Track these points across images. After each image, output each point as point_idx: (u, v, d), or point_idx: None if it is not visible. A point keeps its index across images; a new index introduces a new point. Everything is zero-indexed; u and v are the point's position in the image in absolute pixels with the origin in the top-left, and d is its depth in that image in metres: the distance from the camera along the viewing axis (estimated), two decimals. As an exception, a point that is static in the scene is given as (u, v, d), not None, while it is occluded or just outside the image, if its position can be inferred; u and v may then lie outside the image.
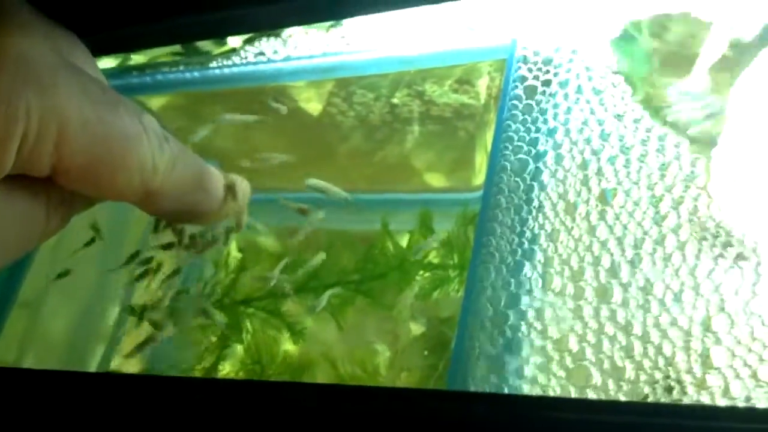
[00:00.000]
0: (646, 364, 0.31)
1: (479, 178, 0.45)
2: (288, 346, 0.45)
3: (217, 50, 0.54)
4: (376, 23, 0.48)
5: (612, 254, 0.34)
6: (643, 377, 0.30)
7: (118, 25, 0.39)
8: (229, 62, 0.53)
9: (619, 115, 0.38)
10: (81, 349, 0.52)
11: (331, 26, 0.49)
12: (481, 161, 0.45)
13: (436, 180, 0.48)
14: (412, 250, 0.43)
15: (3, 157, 0.23)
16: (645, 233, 0.34)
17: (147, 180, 0.28)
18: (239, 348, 0.45)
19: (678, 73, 0.39)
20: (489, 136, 0.44)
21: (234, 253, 0.47)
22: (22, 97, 0.23)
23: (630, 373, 0.31)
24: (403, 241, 0.45)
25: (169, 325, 0.37)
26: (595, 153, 0.37)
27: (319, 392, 0.29)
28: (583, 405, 0.27)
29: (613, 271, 0.34)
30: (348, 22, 0.49)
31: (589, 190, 0.36)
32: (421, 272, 0.43)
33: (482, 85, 0.47)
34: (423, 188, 0.49)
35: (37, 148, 0.24)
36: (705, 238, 0.34)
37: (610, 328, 0.32)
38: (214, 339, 0.46)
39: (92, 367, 0.51)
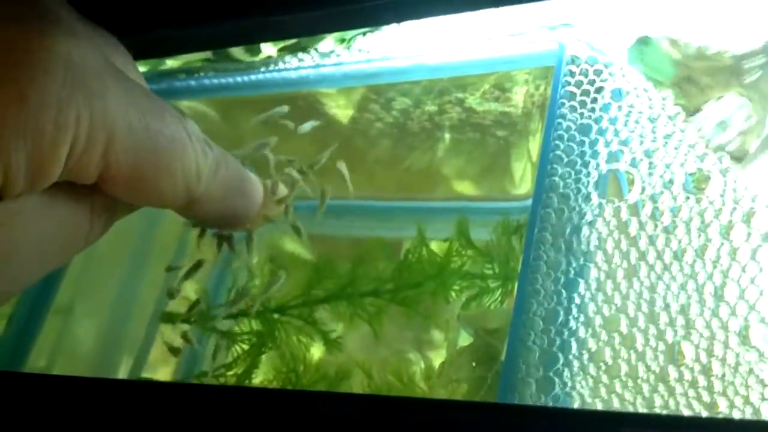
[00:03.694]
0: (701, 381, 0.30)
1: (520, 188, 0.44)
2: (321, 354, 0.45)
3: (249, 56, 0.54)
4: (419, 29, 0.47)
5: (670, 269, 0.34)
6: (703, 395, 0.30)
7: (155, 29, 0.39)
8: (262, 68, 0.53)
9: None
10: (112, 355, 0.52)
11: (368, 32, 0.49)
12: (521, 171, 0.45)
13: (471, 188, 0.48)
14: (449, 259, 0.43)
15: (52, 164, 0.23)
16: (706, 247, 0.34)
17: (191, 186, 0.28)
18: (272, 356, 0.45)
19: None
20: (532, 145, 0.44)
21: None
22: (72, 105, 0.23)
23: (686, 390, 0.30)
24: (438, 249, 0.44)
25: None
26: (650, 163, 0.36)
27: (365, 402, 0.29)
28: (645, 420, 0.26)
29: (671, 287, 0.33)
30: (386, 29, 0.49)
31: (644, 199, 0.36)
32: (459, 282, 0.42)
33: (521, 92, 0.46)
34: (456, 196, 0.48)
35: (85, 156, 0.24)
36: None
37: (666, 342, 0.32)
38: (246, 347, 0.46)
39: (123, 374, 0.51)
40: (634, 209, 0.36)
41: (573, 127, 0.38)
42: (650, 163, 0.37)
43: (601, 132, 0.38)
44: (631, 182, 0.37)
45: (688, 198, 0.35)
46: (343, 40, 0.50)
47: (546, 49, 0.42)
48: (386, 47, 0.48)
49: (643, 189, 0.36)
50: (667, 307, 0.33)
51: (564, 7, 0.42)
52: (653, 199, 0.36)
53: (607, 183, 0.37)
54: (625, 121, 0.38)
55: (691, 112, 0.38)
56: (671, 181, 0.36)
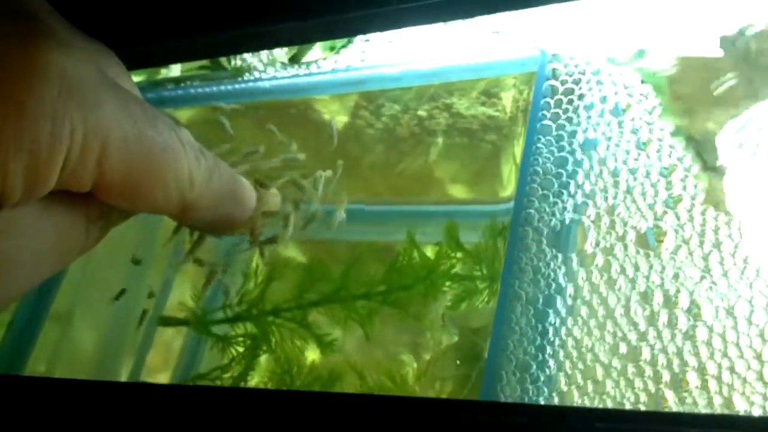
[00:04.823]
0: (684, 377, 0.31)
1: (507, 191, 0.45)
2: (314, 356, 0.46)
3: (242, 65, 0.54)
4: (404, 37, 0.48)
5: (644, 269, 0.34)
6: (682, 390, 0.30)
7: (150, 41, 0.39)
8: (256, 76, 0.53)
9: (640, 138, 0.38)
10: (110, 360, 0.53)
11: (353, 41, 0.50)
12: (508, 174, 0.45)
13: (461, 192, 0.49)
14: (439, 261, 0.43)
15: (47, 175, 0.24)
16: (683, 253, 0.35)
17: (184, 193, 0.28)
18: (267, 358, 0.46)
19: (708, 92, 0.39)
20: (517, 149, 0.45)
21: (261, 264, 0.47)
22: (66, 117, 0.23)
23: (663, 386, 0.31)
24: (429, 253, 0.45)
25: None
26: (626, 167, 0.37)
27: (352, 402, 0.30)
28: (622, 415, 0.27)
29: (648, 288, 0.34)
30: (375, 36, 0.49)
31: (621, 206, 0.37)
32: (449, 283, 0.43)
33: (508, 97, 0.47)
34: (447, 200, 0.49)
35: (79, 166, 0.24)
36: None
37: (646, 339, 0.33)
38: (241, 349, 0.46)
39: (122, 378, 0.51)
40: (611, 208, 0.37)
41: (554, 131, 0.39)
42: (631, 167, 0.38)
43: (581, 135, 0.39)
44: (613, 186, 0.38)
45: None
46: (332, 48, 0.51)
47: (527, 56, 0.43)
48: (375, 55, 0.49)
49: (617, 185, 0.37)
50: (648, 302, 0.34)
51: (548, 16, 0.43)
52: (629, 191, 0.36)
53: (587, 185, 0.38)
54: (607, 126, 0.39)
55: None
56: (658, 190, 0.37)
